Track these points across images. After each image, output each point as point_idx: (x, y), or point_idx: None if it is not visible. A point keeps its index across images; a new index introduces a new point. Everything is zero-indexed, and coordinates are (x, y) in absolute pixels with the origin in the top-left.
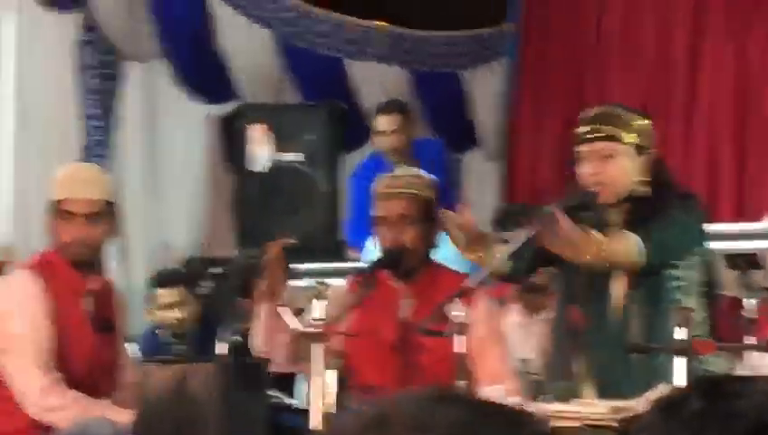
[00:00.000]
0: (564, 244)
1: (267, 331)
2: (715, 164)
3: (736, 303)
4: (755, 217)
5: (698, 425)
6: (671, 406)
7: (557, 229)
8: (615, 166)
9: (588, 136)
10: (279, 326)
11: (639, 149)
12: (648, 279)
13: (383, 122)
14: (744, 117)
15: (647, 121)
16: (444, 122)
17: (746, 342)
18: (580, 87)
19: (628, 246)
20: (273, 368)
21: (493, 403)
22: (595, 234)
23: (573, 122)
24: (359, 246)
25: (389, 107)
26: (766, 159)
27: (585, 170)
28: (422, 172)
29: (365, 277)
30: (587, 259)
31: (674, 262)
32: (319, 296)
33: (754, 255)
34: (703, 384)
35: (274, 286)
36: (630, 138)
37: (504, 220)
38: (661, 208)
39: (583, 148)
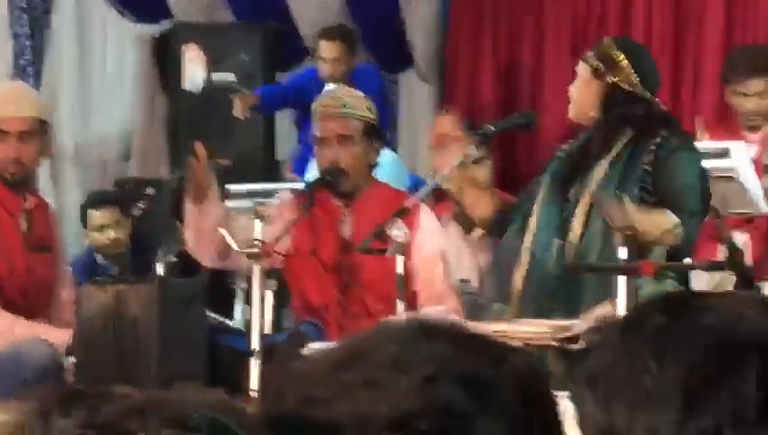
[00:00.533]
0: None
1: (196, 231)
2: None
3: None
4: None
5: (661, 340)
6: (632, 322)
7: (621, 214)
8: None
9: None
10: (206, 225)
11: (596, 72)
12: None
13: (325, 48)
14: (678, 39)
15: (616, 51)
16: (379, 43)
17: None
18: (517, 7)
19: (668, 232)
20: (204, 264)
21: (475, 336)
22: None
23: (509, 44)
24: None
25: (333, 33)
26: (704, 78)
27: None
28: (360, 92)
29: (305, 197)
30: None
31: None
32: (258, 217)
33: None
34: (666, 300)
35: (200, 187)
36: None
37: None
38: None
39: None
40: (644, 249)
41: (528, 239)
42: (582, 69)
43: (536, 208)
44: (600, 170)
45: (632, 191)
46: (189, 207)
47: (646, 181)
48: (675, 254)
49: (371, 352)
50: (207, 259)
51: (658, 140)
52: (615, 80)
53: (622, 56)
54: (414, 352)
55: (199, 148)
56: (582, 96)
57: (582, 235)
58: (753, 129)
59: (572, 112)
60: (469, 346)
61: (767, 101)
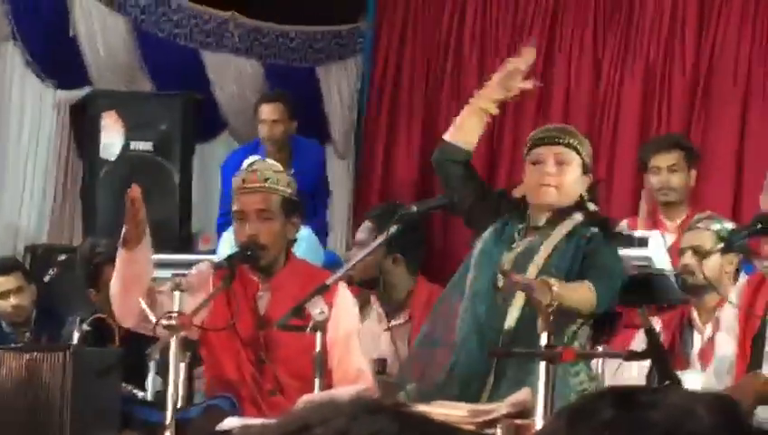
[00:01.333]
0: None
1: (124, 281)
2: None
3: None
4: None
5: (609, 433)
6: (580, 413)
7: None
8: (569, 173)
9: (548, 139)
10: (136, 273)
11: (585, 167)
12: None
13: (266, 111)
14: (594, 129)
15: (590, 147)
16: (298, 117)
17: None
18: (436, 87)
19: (585, 298)
20: (125, 324)
21: (419, 415)
22: (552, 282)
23: (428, 123)
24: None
25: (273, 96)
26: (620, 164)
27: (543, 170)
28: (280, 166)
29: (225, 271)
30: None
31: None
32: (176, 288)
33: None
34: (615, 393)
35: (136, 229)
36: (584, 154)
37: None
38: (600, 243)
39: (542, 149)
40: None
41: (457, 321)
42: (572, 158)
43: (468, 294)
44: (542, 257)
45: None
46: (120, 254)
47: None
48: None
49: (318, 425)
50: (129, 318)
51: (589, 235)
52: (592, 179)
53: (585, 139)
54: (360, 426)
55: (135, 190)
56: (575, 188)
57: (518, 321)
58: (669, 205)
59: (556, 198)
60: (414, 424)
61: (677, 176)
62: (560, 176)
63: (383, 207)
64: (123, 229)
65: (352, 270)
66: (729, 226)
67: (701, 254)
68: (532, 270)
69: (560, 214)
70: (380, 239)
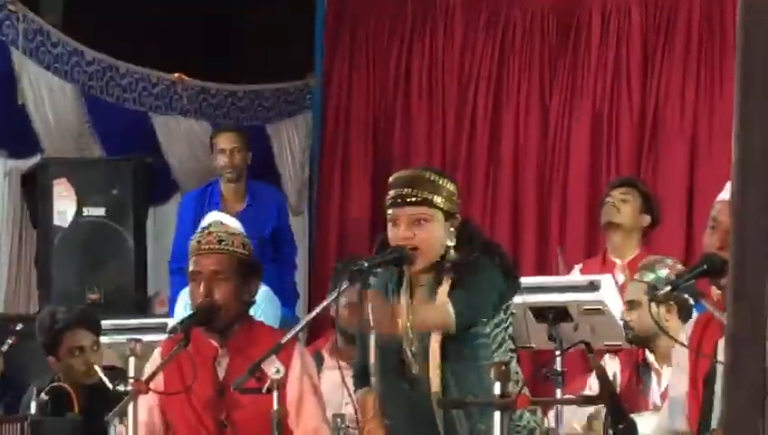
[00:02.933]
0: (377, 320)
1: None
2: (519, 216)
3: (544, 356)
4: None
5: None
6: None
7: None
8: (428, 230)
9: (399, 200)
10: None
11: (447, 214)
12: (458, 337)
13: (223, 139)
14: (543, 176)
15: (454, 186)
16: (250, 175)
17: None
18: (386, 142)
19: (437, 313)
20: None
21: None
22: (402, 305)
23: (379, 177)
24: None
25: (227, 127)
26: (572, 210)
27: (397, 234)
28: (237, 228)
29: (179, 334)
30: (400, 330)
31: (484, 319)
32: (131, 353)
33: (564, 308)
34: None
35: None
36: (441, 202)
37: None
38: (468, 267)
39: (395, 211)
40: None
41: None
42: (428, 214)
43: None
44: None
45: None
46: None
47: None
48: None
49: None
50: None
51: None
52: (459, 219)
53: (445, 181)
54: None
55: None
56: (438, 242)
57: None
58: (612, 227)
59: (420, 261)
60: None
61: (627, 206)
62: (417, 237)
63: (348, 261)
64: None
65: (304, 330)
66: (663, 273)
67: (636, 307)
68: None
69: (437, 267)
70: (332, 297)
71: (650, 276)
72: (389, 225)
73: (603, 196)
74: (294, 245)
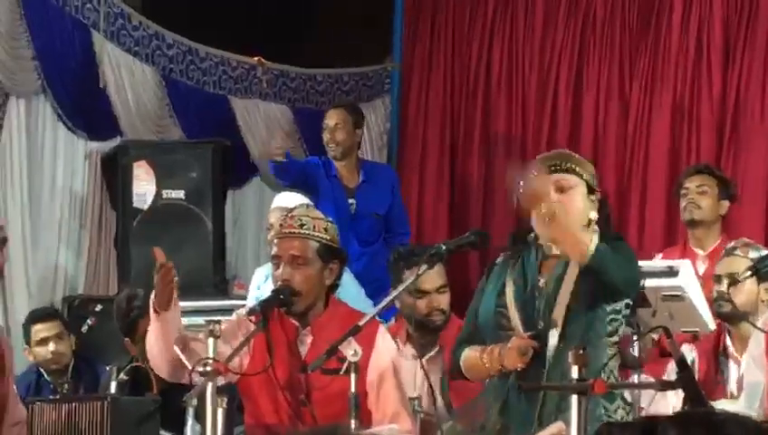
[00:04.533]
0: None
1: (160, 341)
2: None
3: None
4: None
5: None
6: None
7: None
8: (572, 197)
9: (545, 169)
10: (170, 334)
11: (590, 188)
12: (582, 317)
13: (329, 115)
14: (623, 161)
15: (593, 168)
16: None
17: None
18: (465, 125)
19: (622, 264)
20: (165, 377)
21: None
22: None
23: (458, 162)
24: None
25: (339, 103)
26: (652, 198)
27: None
28: (318, 210)
29: (258, 315)
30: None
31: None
32: (211, 334)
33: (642, 293)
34: (679, 415)
35: (165, 292)
36: (585, 174)
37: (405, 260)
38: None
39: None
40: None
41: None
42: (574, 182)
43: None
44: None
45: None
46: (153, 317)
47: None
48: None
49: None
50: (166, 369)
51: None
52: (600, 196)
53: (587, 162)
54: None
55: (159, 254)
56: (582, 212)
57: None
58: (696, 228)
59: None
60: None
61: (705, 198)
62: (563, 201)
63: (407, 249)
64: (153, 295)
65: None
66: (765, 253)
67: (735, 281)
68: (564, 296)
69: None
70: (410, 280)
71: (754, 253)
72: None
73: (677, 186)
74: (407, 226)
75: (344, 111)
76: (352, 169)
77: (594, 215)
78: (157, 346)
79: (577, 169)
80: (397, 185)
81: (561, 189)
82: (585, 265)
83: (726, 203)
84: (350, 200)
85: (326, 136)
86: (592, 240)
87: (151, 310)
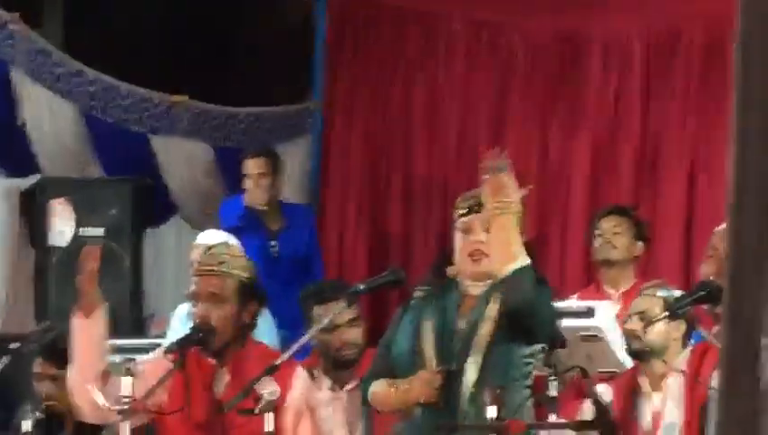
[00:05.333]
0: None
1: (81, 354)
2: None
3: (538, 381)
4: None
5: None
6: None
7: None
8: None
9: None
10: (92, 343)
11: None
12: (501, 358)
13: (251, 165)
14: (543, 202)
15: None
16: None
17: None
18: (386, 165)
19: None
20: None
21: None
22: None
23: (378, 202)
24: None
25: (257, 151)
26: (572, 239)
27: (470, 240)
28: (238, 249)
29: (175, 354)
30: None
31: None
32: (127, 373)
33: (559, 334)
34: None
35: (90, 295)
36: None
37: (315, 297)
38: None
39: (470, 217)
40: None
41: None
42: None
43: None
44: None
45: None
46: (76, 324)
47: None
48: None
49: None
50: (88, 411)
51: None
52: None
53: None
54: None
55: (91, 250)
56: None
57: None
58: (610, 267)
59: (488, 266)
60: None
61: (619, 238)
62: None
63: (317, 285)
64: (79, 295)
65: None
66: (677, 294)
67: (647, 320)
68: (482, 338)
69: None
70: (326, 318)
71: (664, 293)
72: (459, 235)
73: (591, 226)
74: (321, 264)
75: (265, 159)
76: (274, 211)
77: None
78: (75, 363)
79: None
80: (313, 223)
81: (487, 231)
82: (514, 306)
83: (640, 244)
84: (272, 242)
85: (249, 184)
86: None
87: (74, 316)
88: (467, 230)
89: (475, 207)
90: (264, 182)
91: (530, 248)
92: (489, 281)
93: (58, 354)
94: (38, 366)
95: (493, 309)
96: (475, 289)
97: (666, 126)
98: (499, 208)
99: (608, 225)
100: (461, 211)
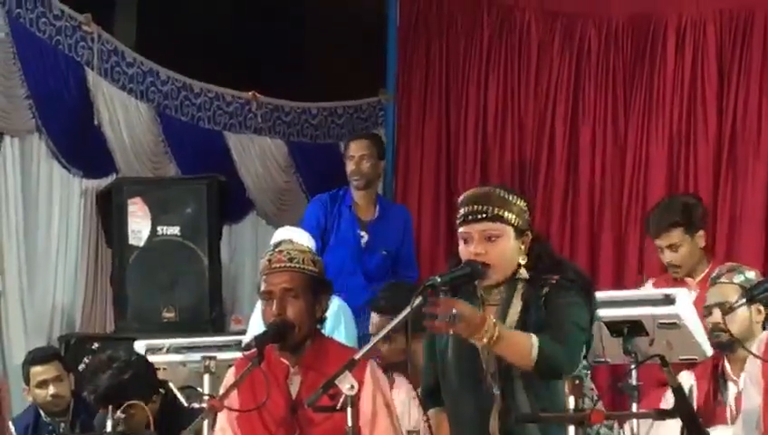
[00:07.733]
0: (461, 323)
1: None
2: (597, 234)
3: (619, 370)
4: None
5: None
6: None
7: (444, 310)
8: (500, 246)
9: (471, 217)
10: None
11: (518, 231)
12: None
13: (353, 147)
14: (622, 188)
15: (524, 203)
16: (324, 191)
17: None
18: (462, 157)
19: (520, 349)
20: None
21: None
22: (493, 320)
23: (449, 195)
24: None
25: (361, 134)
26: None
27: (469, 251)
28: (306, 246)
29: (253, 352)
30: (482, 342)
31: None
32: (206, 371)
33: (639, 322)
34: None
35: None
36: (513, 219)
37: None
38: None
39: (467, 228)
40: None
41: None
42: (500, 230)
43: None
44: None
45: None
46: None
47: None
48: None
49: None
50: None
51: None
52: (531, 236)
53: (515, 198)
54: None
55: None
56: (510, 258)
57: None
58: (679, 280)
59: (492, 277)
60: None
61: (680, 252)
62: (490, 253)
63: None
64: None
65: (378, 351)
66: (752, 275)
67: (726, 308)
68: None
69: (509, 284)
70: (405, 312)
71: (739, 278)
72: (461, 242)
73: (648, 232)
74: (415, 270)
75: (369, 142)
76: (370, 201)
77: (523, 259)
78: None
79: (504, 214)
80: (410, 226)
81: (488, 238)
82: (533, 371)
83: (701, 233)
84: (362, 233)
85: (351, 166)
86: (532, 341)
87: None
88: (467, 240)
89: (471, 215)
90: (366, 164)
91: (539, 243)
92: (501, 288)
93: None
94: None
95: (514, 314)
96: (491, 296)
97: (744, 110)
98: None
99: (662, 242)
100: (459, 218)
